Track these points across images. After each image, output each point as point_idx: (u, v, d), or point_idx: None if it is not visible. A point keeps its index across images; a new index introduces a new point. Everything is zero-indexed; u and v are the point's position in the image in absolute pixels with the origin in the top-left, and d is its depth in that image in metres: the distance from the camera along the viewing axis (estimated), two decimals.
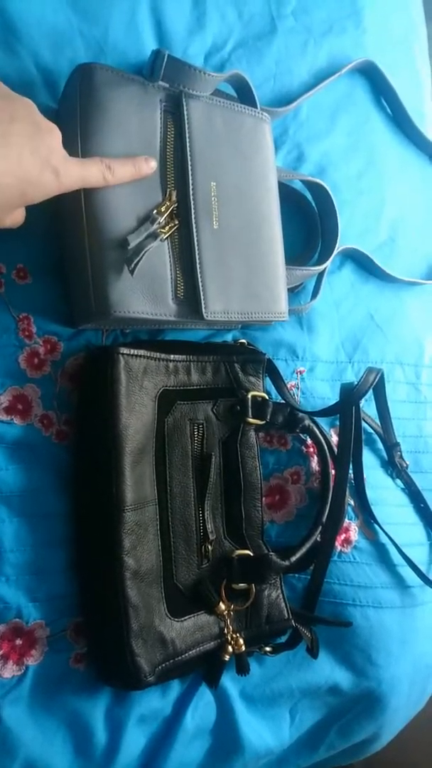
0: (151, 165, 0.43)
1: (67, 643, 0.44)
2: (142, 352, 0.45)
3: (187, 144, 0.46)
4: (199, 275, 0.46)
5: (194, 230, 0.46)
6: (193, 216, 0.46)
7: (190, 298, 0.46)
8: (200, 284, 0.46)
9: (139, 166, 0.42)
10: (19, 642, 0.42)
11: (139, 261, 0.42)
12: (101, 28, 0.50)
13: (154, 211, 0.44)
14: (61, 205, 0.46)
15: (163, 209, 0.44)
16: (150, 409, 0.45)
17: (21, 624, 0.42)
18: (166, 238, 0.45)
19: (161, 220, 0.43)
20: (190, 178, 0.46)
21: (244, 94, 0.53)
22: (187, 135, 0.46)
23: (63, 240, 0.46)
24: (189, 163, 0.46)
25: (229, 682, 0.50)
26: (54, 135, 0.36)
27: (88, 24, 0.49)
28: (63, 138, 0.45)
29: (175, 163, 0.46)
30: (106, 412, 0.42)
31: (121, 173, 0.41)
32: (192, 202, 0.46)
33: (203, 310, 0.46)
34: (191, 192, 0.46)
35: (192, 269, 0.46)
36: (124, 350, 0.43)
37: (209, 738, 0.49)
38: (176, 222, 0.45)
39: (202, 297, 0.46)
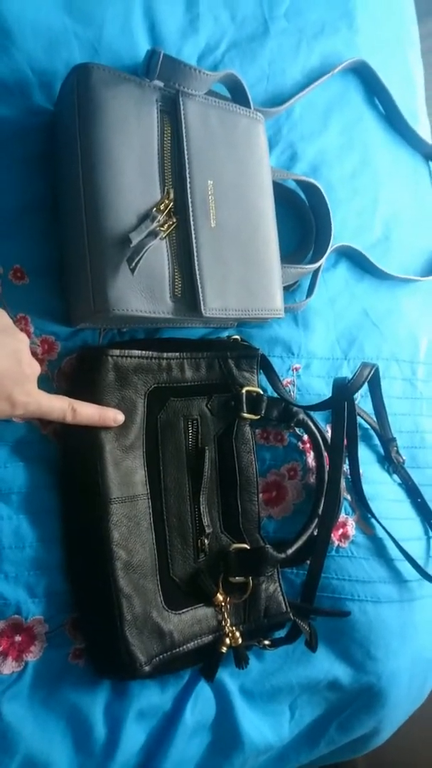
0: (118, 419, 0.44)
1: (66, 638, 0.44)
2: (134, 352, 0.46)
3: (184, 142, 0.46)
4: (197, 272, 0.46)
5: (192, 228, 0.46)
6: (191, 214, 0.46)
7: (188, 295, 0.46)
8: (198, 281, 0.46)
9: (105, 415, 0.43)
10: (18, 638, 0.42)
11: (140, 259, 0.42)
12: (95, 30, 0.50)
13: (154, 209, 0.44)
14: (59, 201, 0.47)
15: (162, 207, 0.44)
16: (139, 406, 0.46)
17: (20, 620, 0.42)
18: (165, 236, 0.45)
19: (160, 218, 0.44)
20: (188, 176, 0.46)
21: (237, 94, 0.53)
22: (184, 133, 0.46)
23: (61, 238, 0.47)
24: (186, 161, 0.46)
25: (228, 677, 0.50)
26: (24, 381, 0.38)
27: (83, 26, 0.50)
28: (61, 137, 0.46)
29: (172, 162, 0.46)
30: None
31: (83, 416, 0.42)
32: (190, 200, 0.46)
33: (202, 307, 0.46)
34: (189, 190, 0.46)
35: (190, 267, 0.46)
36: (114, 352, 0.45)
37: (209, 734, 0.49)
38: (174, 220, 0.46)
39: (200, 294, 0.46)
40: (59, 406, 0.41)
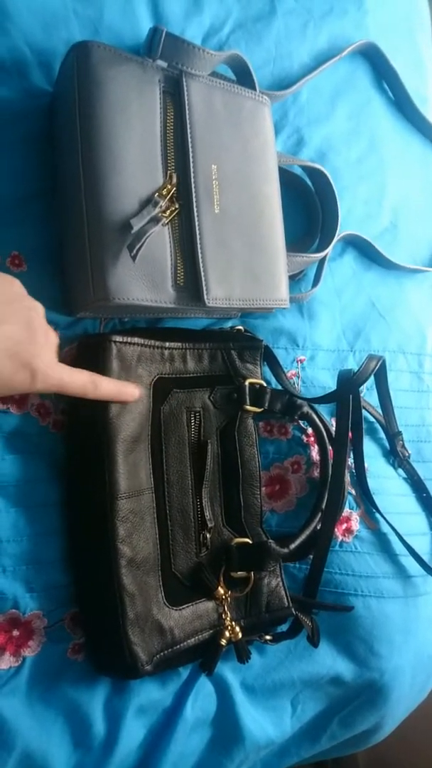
0: (136, 393, 0.43)
1: (65, 633, 0.43)
2: (135, 339, 0.44)
3: (188, 125, 0.45)
4: (200, 260, 0.45)
5: (195, 214, 0.45)
6: (194, 199, 0.45)
7: (190, 284, 0.45)
8: (201, 269, 0.45)
9: (124, 390, 0.42)
10: (16, 633, 0.41)
11: (141, 246, 0.41)
12: (96, 9, 0.49)
13: (156, 195, 0.43)
14: (58, 186, 0.45)
15: (164, 192, 0.43)
16: (145, 397, 0.45)
17: (18, 615, 0.41)
18: (167, 222, 0.44)
19: (162, 203, 0.42)
20: (191, 160, 0.45)
21: (242, 76, 0.52)
22: (187, 116, 0.45)
23: (61, 225, 0.45)
24: (189, 144, 0.45)
25: (229, 672, 0.49)
26: (40, 350, 0.36)
27: (83, 3, 0.48)
28: (60, 119, 0.45)
29: (175, 145, 0.45)
30: (97, 401, 0.41)
31: (105, 390, 0.40)
32: (193, 186, 0.45)
33: (205, 295, 0.45)
34: (192, 175, 0.45)
35: (193, 254, 0.45)
36: (117, 338, 0.43)
37: (210, 729, 0.48)
38: (177, 206, 0.44)
39: (203, 282, 0.45)
40: (81, 380, 0.39)
